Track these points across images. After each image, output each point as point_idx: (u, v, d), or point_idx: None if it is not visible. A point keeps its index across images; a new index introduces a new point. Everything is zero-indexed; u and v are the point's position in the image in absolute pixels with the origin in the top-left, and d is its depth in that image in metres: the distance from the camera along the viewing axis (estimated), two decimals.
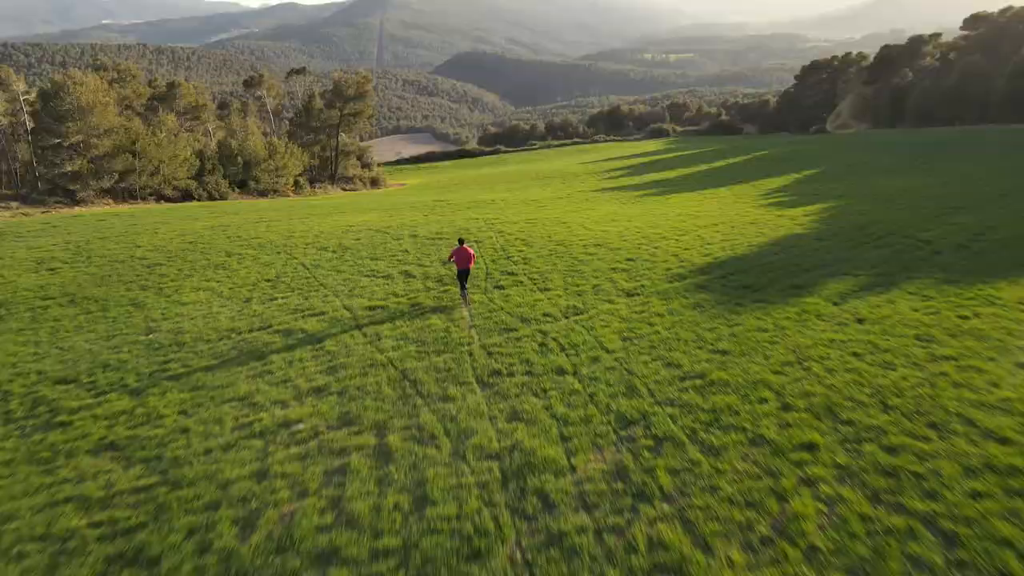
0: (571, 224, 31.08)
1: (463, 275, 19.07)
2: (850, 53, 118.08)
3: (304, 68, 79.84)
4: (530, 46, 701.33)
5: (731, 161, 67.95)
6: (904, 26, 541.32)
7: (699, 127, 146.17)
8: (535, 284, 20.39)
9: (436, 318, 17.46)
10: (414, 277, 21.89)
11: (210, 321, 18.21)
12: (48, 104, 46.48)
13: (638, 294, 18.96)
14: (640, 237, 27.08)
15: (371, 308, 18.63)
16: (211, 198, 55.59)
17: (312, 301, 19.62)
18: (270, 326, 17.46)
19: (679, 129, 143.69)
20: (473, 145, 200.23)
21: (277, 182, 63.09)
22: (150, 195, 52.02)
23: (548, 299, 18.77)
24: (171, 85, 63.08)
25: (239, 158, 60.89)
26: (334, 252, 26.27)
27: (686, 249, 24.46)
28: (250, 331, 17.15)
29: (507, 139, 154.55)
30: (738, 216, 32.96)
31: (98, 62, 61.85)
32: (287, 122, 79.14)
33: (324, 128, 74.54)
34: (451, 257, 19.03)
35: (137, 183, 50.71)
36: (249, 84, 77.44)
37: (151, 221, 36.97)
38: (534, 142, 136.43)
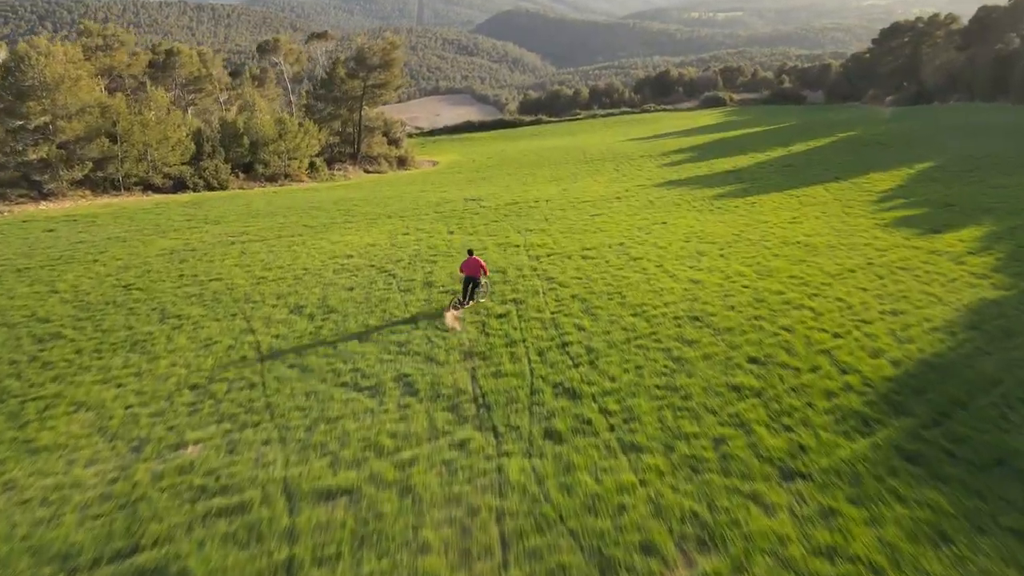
0: (646, 262, 22.56)
1: (469, 282, 18.45)
2: (938, 14, 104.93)
3: (326, 32, 71.18)
4: (573, 4, 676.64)
5: (812, 144, 57.89)
6: None
7: (758, 95, 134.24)
8: (611, 428, 12.10)
9: (439, 543, 9.35)
10: (417, 395, 13.72)
11: (45, 520, 10.32)
12: (7, 79, 39.01)
13: (804, 476, 10.56)
14: (752, 299, 18.50)
15: (327, 495, 10.55)
16: (209, 187, 47.99)
17: (238, 462, 11.55)
18: (135, 551, 9.51)
19: (736, 98, 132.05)
20: (513, 108, 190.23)
21: (288, 165, 55.22)
22: (136, 185, 44.59)
23: (640, 480, 10.51)
24: (169, 52, 55.10)
25: (245, 138, 53.09)
26: (311, 319, 18.21)
27: (837, 337, 15.81)
28: (92, 568, 9.25)
29: (548, 106, 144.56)
30: (871, 247, 24.06)
31: (83, 27, 54.21)
32: (307, 94, 71.00)
33: (346, 101, 66.22)
34: (462, 269, 18.73)
35: (119, 171, 43.26)
36: (264, 50, 69.02)
37: (103, 237, 29.27)
38: (578, 111, 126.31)
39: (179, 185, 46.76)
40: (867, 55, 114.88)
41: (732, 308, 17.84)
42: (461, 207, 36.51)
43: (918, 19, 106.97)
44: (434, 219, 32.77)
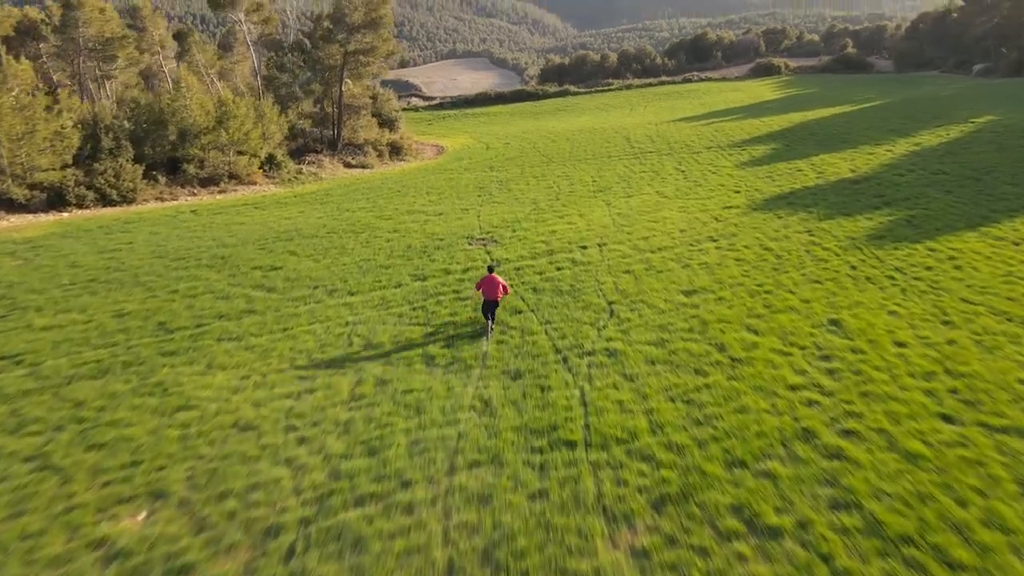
0: None
1: (490, 306, 15.59)
2: None
3: None
4: None
5: (943, 135, 41.57)
6: None
7: (816, 62, 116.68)
8: None
9: None
10: None
11: None
12: None
13: None
14: None
15: None
16: (105, 200, 33.17)
17: None
18: None
19: (792, 65, 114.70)
20: (533, 74, 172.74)
21: (235, 163, 40.29)
22: None
23: None
24: (68, 5, 39.84)
25: (170, 126, 38.20)
26: None
27: None
28: None
29: (574, 73, 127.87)
30: None
31: None
32: (268, 63, 55.46)
33: (321, 72, 50.94)
34: (478, 287, 15.83)
35: None
36: (217, 5, 53.49)
37: None
38: (609, 81, 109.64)
39: (56, 199, 32.08)
40: (954, 15, 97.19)
41: None
42: (461, 264, 21.68)
43: None
44: (409, 303, 18.01)
